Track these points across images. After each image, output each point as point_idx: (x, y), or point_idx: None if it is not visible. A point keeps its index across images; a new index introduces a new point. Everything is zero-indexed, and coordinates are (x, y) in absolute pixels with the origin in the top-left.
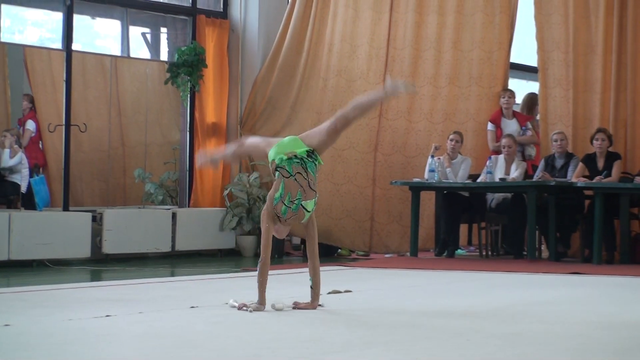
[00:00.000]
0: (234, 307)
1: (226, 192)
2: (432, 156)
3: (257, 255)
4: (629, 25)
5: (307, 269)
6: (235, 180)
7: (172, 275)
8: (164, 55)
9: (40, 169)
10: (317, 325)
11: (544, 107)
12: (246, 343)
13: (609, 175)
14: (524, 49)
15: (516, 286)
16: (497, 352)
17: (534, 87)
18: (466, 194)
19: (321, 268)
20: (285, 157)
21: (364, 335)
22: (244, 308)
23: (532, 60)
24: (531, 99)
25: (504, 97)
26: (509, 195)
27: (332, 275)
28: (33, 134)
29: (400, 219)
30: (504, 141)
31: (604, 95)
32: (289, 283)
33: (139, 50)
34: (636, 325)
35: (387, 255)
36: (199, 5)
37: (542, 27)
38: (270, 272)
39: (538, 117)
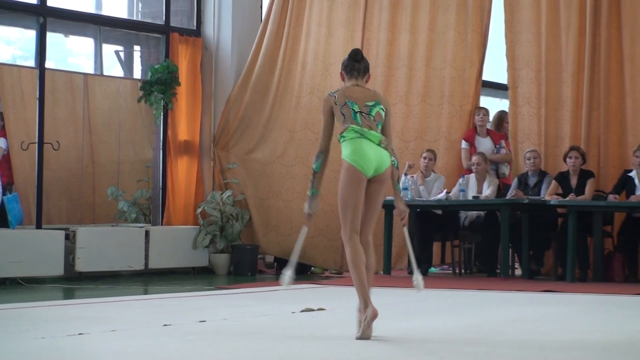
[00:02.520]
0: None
1: (199, 210)
2: (406, 174)
3: (230, 273)
4: (602, 44)
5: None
6: (209, 199)
7: (146, 293)
8: (137, 73)
9: (13, 187)
10: (292, 343)
11: (513, 124)
12: None
13: (581, 193)
14: (497, 66)
15: (489, 304)
16: None
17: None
18: (439, 212)
19: (293, 287)
20: None
21: (337, 352)
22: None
23: (504, 78)
24: (500, 117)
25: (478, 115)
26: (482, 213)
27: (305, 293)
28: (5, 152)
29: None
30: (474, 159)
31: (575, 113)
32: (264, 301)
33: (112, 68)
34: (613, 345)
35: None
36: (172, 24)
37: (512, 45)
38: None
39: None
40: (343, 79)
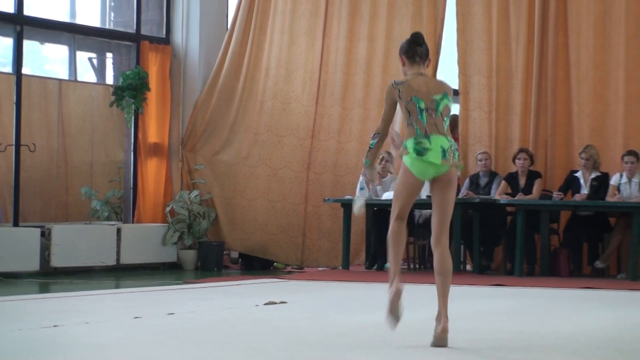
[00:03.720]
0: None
1: (168, 208)
2: (363, 175)
3: (197, 268)
4: (549, 52)
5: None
6: (177, 198)
7: (117, 287)
8: (109, 79)
9: None
10: (256, 335)
11: (464, 128)
12: (188, 352)
13: (529, 192)
14: (449, 73)
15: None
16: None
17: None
18: None
19: (256, 281)
20: None
21: (300, 344)
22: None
23: (456, 84)
24: (453, 120)
25: None
26: None
27: (268, 288)
28: None
29: (329, 235)
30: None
31: (524, 117)
32: (229, 294)
33: (86, 74)
34: (563, 335)
35: (320, 269)
36: (142, 32)
37: (464, 52)
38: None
39: None
40: (403, 64)
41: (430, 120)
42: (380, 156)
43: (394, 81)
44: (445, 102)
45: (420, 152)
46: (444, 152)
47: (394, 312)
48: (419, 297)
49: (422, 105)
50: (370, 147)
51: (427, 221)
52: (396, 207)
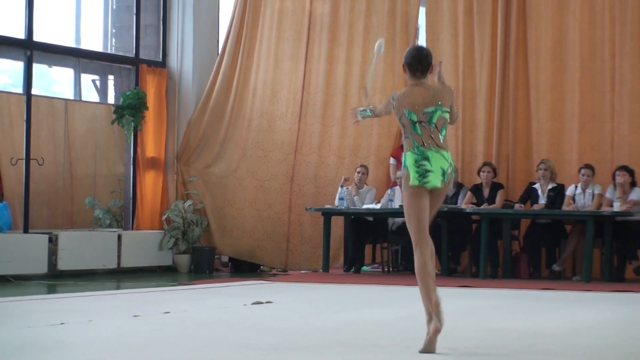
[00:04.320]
0: None
1: (164, 216)
2: (342, 186)
3: (190, 271)
4: (510, 74)
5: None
6: (172, 207)
7: (118, 288)
8: (111, 99)
9: (3, 197)
10: (245, 332)
11: None
12: (182, 347)
13: (493, 202)
14: None
15: (413, 298)
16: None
17: None
18: (370, 218)
19: (245, 283)
20: None
21: (284, 340)
22: None
23: None
24: None
25: None
26: None
27: (255, 289)
28: None
29: (311, 241)
30: (399, 173)
31: (488, 133)
32: (220, 295)
33: (89, 94)
34: (524, 333)
35: (302, 272)
36: (141, 56)
37: (433, 75)
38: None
39: None
40: (405, 72)
41: (425, 132)
42: (357, 169)
43: (392, 95)
44: (439, 114)
45: (422, 175)
46: (443, 173)
47: (430, 349)
48: (394, 297)
49: (415, 118)
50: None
51: (400, 228)
52: (414, 230)
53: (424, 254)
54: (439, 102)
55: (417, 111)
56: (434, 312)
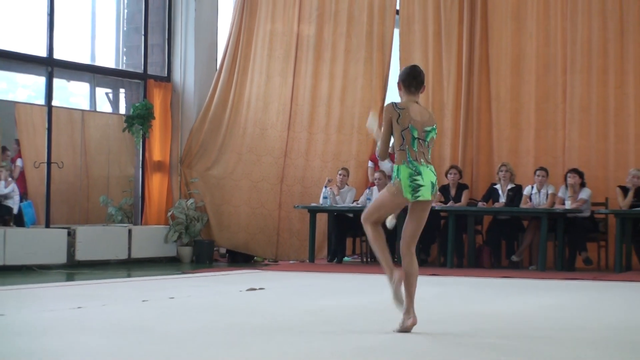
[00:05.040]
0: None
1: (169, 213)
2: (326, 187)
3: (192, 261)
4: (474, 88)
5: (234, 272)
6: (176, 205)
7: (128, 276)
8: (122, 110)
9: (27, 196)
10: (240, 315)
11: None
12: (185, 327)
13: (459, 201)
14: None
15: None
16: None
17: None
18: (351, 215)
19: (240, 272)
20: None
21: (274, 322)
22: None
23: None
24: None
25: None
26: None
27: (249, 277)
28: (21, 170)
29: (298, 234)
30: (376, 175)
31: (454, 140)
32: (218, 282)
33: (103, 105)
34: (486, 316)
35: (291, 262)
36: (149, 72)
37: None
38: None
39: None
40: (400, 89)
41: (421, 148)
42: (339, 172)
43: (396, 104)
44: (432, 135)
45: (414, 189)
46: (432, 187)
47: (399, 297)
48: (371, 285)
49: (416, 134)
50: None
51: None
52: (375, 215)
53: (370, 226)
54: (434, 124)
55: (419, 129)
56: (392, 265)
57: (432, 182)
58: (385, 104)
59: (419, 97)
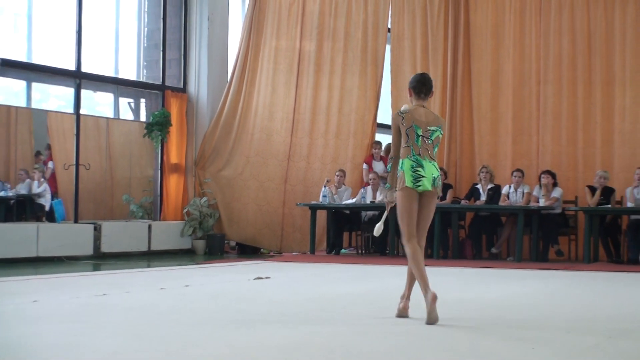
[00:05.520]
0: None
1: (185, 210)
2: (325, 186)
3: (205, 253)
4: (458, 99)
5: (243, 262)
6: (191, 203)
7: (148, 267)
8: (142, 118)
9: (58, 194)
10: (248, 301)
11: None
12: (199, 312)
13: (444, 199)
14: (386, 113)
15: (382, 274)
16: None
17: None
18: (347, 211)
19: (248, 263)
20: None
21: (279, 307)
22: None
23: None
24: (388, 147)
25: (375, 149)
26: (376, 212)
27: (256, 267)
28: (52, 171)
29: (300, 229)
30: (371, 176)
31: (440, 145)
32: (229, 272)
33: (126, 114)
34: (466, 301)
35: (294, 253)
36: (166, 84)
37: (396, 98)
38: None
39: None
40: (410, 95)
41: (424, 145)
42: (337, 173)
43: (399, 111)
44: (437, 134)
45: (416, 179)
46: (434, 180)
47: (432, 317)
48: (366, 274)
49: (419, 132)
50: (387, 171)
51: (371, 219)
52: (407, 227)
53: (413, 243)
54: (440, 125)
55: (423, 127)
56: (428, 285)
57: (433, 176)
58: (392, 115)
59: (427, 102)
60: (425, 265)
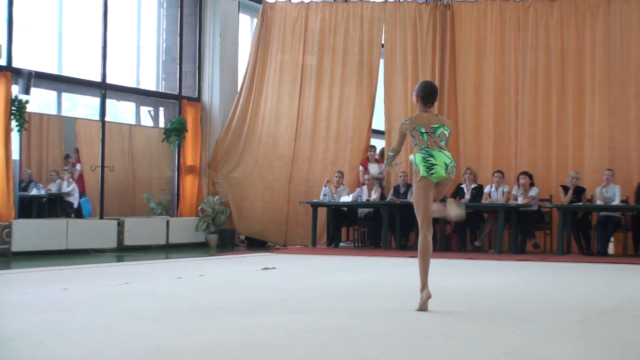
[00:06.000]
0: None
1: (199, 207)
2: (325, 186)
3: (218, 246)
4: (445, 105)
5: (251, 254)
6: (205, 201)
7: (166, 258)
8: (161, 124)
9: (85, 193)
10: (256, 289)
11: (388, 156)
12: (213, 298)
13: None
14: (380, 121)
15: (377, 264)
16: (362, 306)
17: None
18: (345, 209)
19: (256, 255)
20: None
21: (284, 294)
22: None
23: (384, 127)
24: (382, 151)
25: (370, 152)
26: (371, 210)
27: (264, 258)
28: (80, 172)
29: (303, 224)
30: (366, 176)
31: (447, 139)
32: (239, 263)
33: (146, 120)
34: (452, 289)
35: (297, 246)
36: (183, 94)
37: (389, 107)
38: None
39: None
40: (417, 102)
41: (431, 139)
42: (336, 174)
43: (404, 120)
44: (441, 130)
45: (429, 168)
46: (446, 166)
47: (424, 308)
48: (362, 265)
49: (423, 130)
50: (388, 156)
51: (366, 216)
52: (423, 214)
53: (427, 236)
54: (442, 123)
55: (426, 126)
56: (426, 283)
57: (445, 163)
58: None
59: (432, 108)
60: (415, 256)
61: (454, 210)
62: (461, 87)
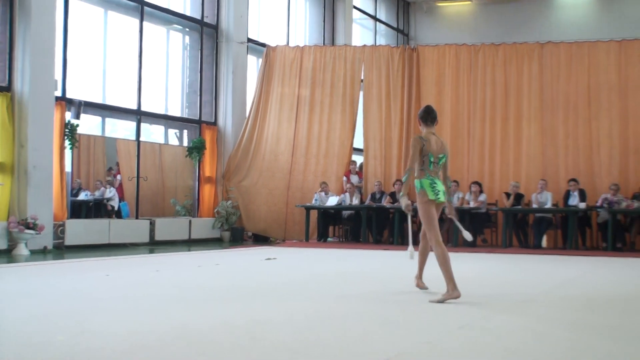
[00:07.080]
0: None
1: (215, 210)
2: (316, 193)
3: (230, 241)
4: (412, 129)
5: (257, 248)
6: (220, 205)
7: (189, 251)
8: (185, 143)
9: (124, 198)
10: (261, 275)
11: (366, 169)
12: (225, 283)
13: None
14: (357, 139)
15: (358, 256)
16: (347, 289)
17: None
18: (332, 211)
19: (260, 248)
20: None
21: (283, 282)
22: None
23: (362, 144)
24: (362, 165)
25: (352, 165)
26: (353, 212)
27: (266, 251)
28: (120, 182)
29: (299, 223)
30: (348, 186)
31: (398, 162)
32: (247, 254)
33: (172, 140)
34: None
35: (294, 241)
36: (202, 119)
37: (367, 128)
38: (237, 249)
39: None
40: (420, 125)
41: (435, 169)
42: (324, 184)
43: (420, 136)
44: (443, 160)
45: (436, 193)
46: (444, 193)
47: (441, 300)
48: (346, 256)
49: (432, 159)
50: (403, 181)
51: (349, 216)
52: (433, 230)
53: (442, 246)
54: (445, 153)
55: (435, 156)
56: (455, 285)
57: (443, 190)
58: (413, 137)
59: (434, 128)
60: (387, 249)
61: (467, 235)
62: (429, 102)
